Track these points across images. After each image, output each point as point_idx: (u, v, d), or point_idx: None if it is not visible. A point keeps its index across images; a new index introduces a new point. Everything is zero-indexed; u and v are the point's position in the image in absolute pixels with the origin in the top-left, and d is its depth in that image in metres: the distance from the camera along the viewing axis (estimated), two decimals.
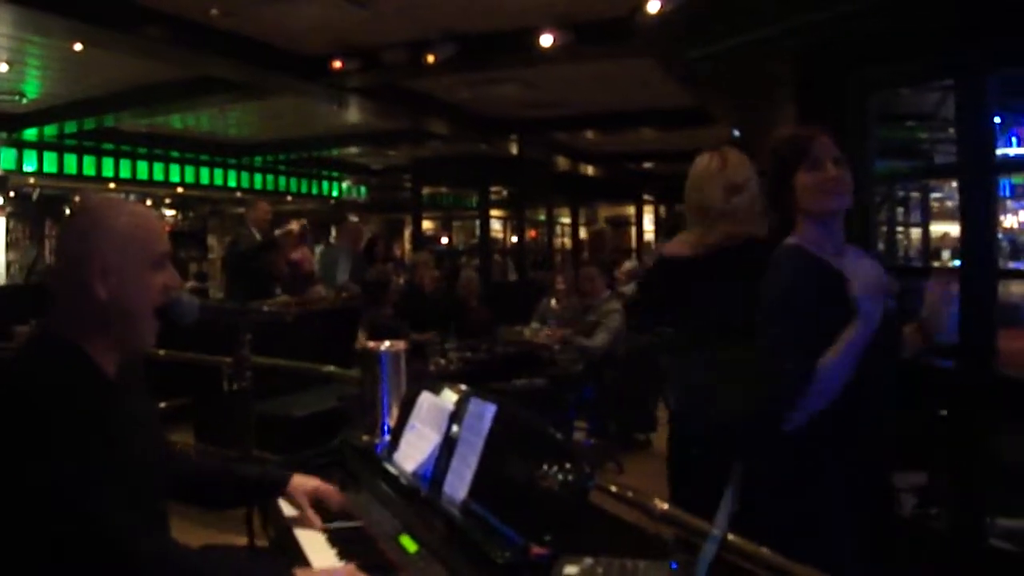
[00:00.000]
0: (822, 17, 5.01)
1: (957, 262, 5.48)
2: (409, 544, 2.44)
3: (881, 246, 6.36)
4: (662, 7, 6.69)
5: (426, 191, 20.19)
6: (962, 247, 4.56)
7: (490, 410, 2.49)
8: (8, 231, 17.06)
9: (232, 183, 19.27)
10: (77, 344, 2.19)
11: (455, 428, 2.63)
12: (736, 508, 1.89)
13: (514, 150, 15.97)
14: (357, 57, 9.65)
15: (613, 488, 2.78)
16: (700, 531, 2.31)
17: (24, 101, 12.53)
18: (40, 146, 15.34)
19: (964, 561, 4.23)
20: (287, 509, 2.83)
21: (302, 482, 2.83)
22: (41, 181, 16.55)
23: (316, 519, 2.76)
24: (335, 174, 22.51)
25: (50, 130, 14.15)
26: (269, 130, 16.15)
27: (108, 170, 16.47)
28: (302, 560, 2.50)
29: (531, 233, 22.16)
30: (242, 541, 3.10)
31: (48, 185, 17.00)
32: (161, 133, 15.97)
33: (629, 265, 11.41)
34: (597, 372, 8.27)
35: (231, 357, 5.44)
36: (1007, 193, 10.74)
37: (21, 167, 15.32)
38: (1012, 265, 9.23)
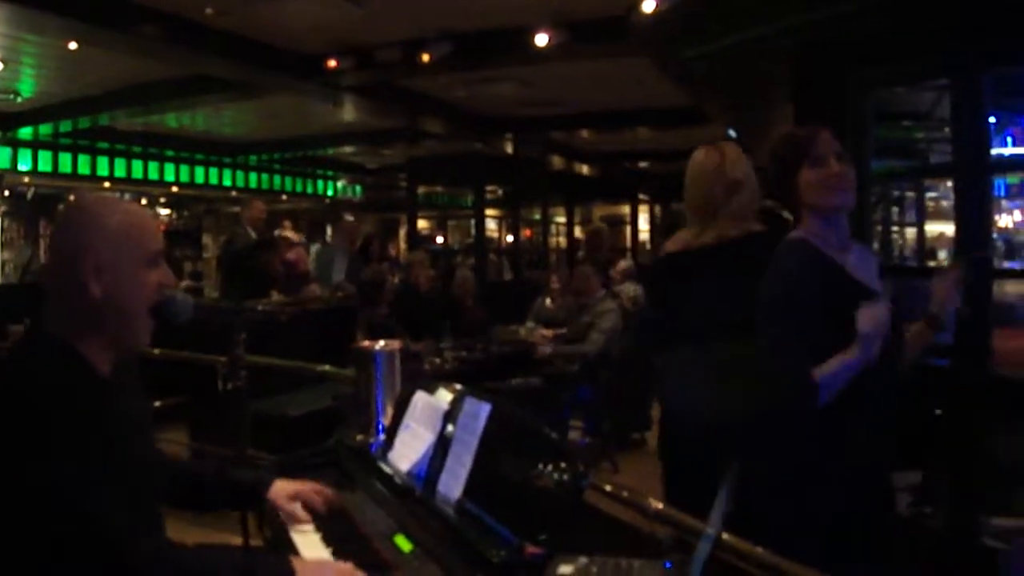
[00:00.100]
0: (818, 17, 5.01)
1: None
2: (404, 543, 2.43)
3: (876, 245, 6.36)
4: (658, 6, 6.68)
5: (421, 190, 20.17)
6: (957, 246, 4.57)
7: (485, 409, 2.49)
8: (3, 230, 17.06)
9: (227, 182, 19.27)
10: (70, 343, 2.18)
11: (450, 427, 2.63)
12: (730, 507, 1.89)
13: (509, 149, 15.97)
14: (352, 56, 9.64)
15: (608, 487, 2.78)
16: (695, 530, 2.31)
17: (19, 100, 12.51)
18: (35, 145, 15.32)
19: (959, 560, 4.24)
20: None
21: (282, 488, 2.81)
22: (36, 180, 16.53)
23: (303, 516, 2.76)
24: (330, 173, 22.51)
25: (45, 129, 14.13)
26: (264, 129, 16.14)
27: (103, 169, 16.46)
28: None
29: (526, 232, 22.17)
30: (237, 541, 3.09)
31: (43, 184, 16.97)
32: (156, 132, 15.95)
33: (624, 264, 11.39)
34: (592, 372, 8.27)
35: (226, 356, 5.45)
36: (1002, 193, 10.77)
37: (16, 166, 15.30)
38: (1007, 265, 9.25)
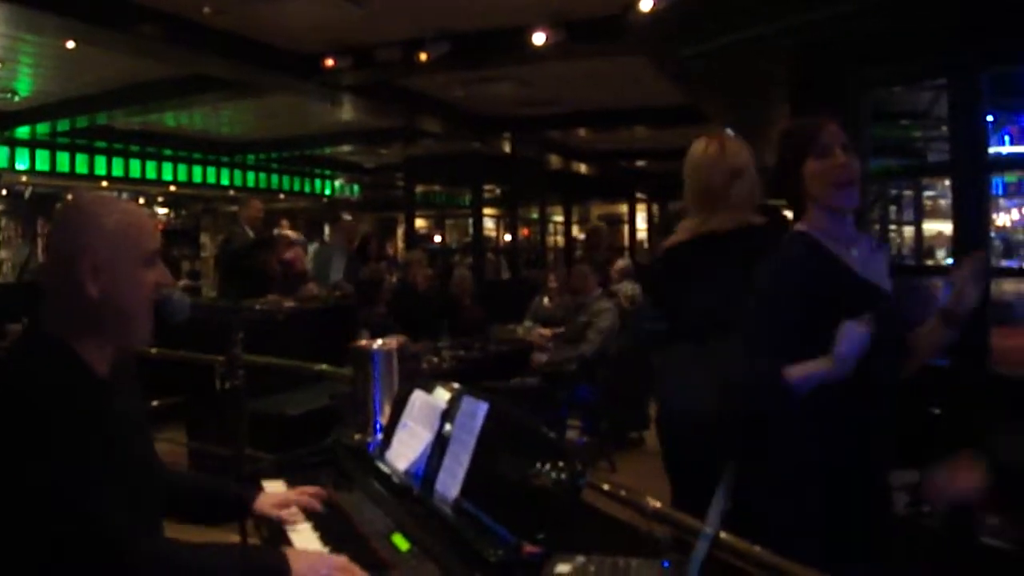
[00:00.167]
0: (817, 16, 5.02)
1: (950, 260, 5.50)
2: (401, 543, 2.43)
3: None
4: (655, 5, 6.69)
5: (419, 189, 20.18)
6: (955, 245, 4.57)
7: (482, 408, 2.49)
8: (0, 229, 17.04)
9: (225, 181, 19.26)
10: (68, 342, 2.18)
11: (447, 426, 2.63)
12: (728, 506, 1.89)
13: (507, 148, 15.98)
14: (350, 55, 9.65)
15: (605, 486, 2.78)
16: (692, 529, 2.31)
17: (16, 99, 12.51)
18: (32, 144, 15.32)
19: (956, 558, 4.24)
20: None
21: (267, 498, 2.82)
22: (33, 179, 16.52)
23: (295, 517, 2.77)
24: (328, 172, 22.51)
25: (42, 128, 14.15)
26: (262, 128, 16.14)
27: (101, 168, 16.45)
28: None
29: (524, 231, 22.16)
30: (234, 539, 3.08)
31: (40, 183, 16.97)
32: (154, 131, 15.96)
33: (622, 263, 11.39)
34: (590, 371, 8.27)
35: (224, 355, 5.45)
36: (999, 191, 10.76)
37: (13, 165, 15.29)
38: (1005, 263, 9.25)
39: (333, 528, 2.68)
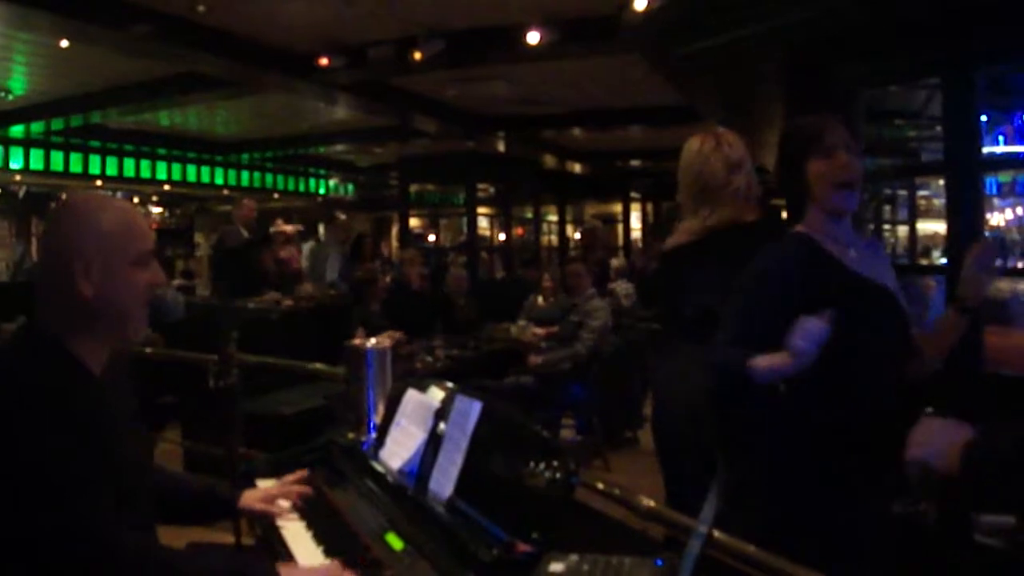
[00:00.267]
0: (810, 15, 5.02)
1: (944, 260, 5.50)
2: (395, 541, 2.43)
3: None
4: (649, 4, 6.68)
5: (413, 189, 20.19)
6: (948, 245, 4.57)
7: (476, 407, 2.49)
8: None
9: (219, 180, 19.27)
10: (62, 341, 2.18)
11: (441, 425, 2.62)
12: (721, 504, 1.89)
13: (501, 147, 15.98)
14: (344, 54, 9.64)
15: (599, 485, 2.78)
16: (686, 528, 2.31)
17: (10, 97, 12.50)
18: (27, 143, 15.32)
19: (950, 557, 4.24)
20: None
21: (253, 495, 2.84)
22: (27, 178, 16.54)
23: (283, 509, 2.80)
24: (322, 172, 22.51)
25: (36, 127, 14.13)
26: (256, 127, 16.13)
27: (95, 167, 16.46)
28: (288, 557, 2.50)
29: (518, 231, 22.17)
30: (228, 539, 3.08)
31: (35, 182, 16.98)
32: (148, 130, 15.96)
33: (617, 263, 11.39)
34: (584, 370, 8.27)
35: (217, 354, 5.43)
36: (993, 191, 10.80)
37: (7, 164, 15.29)
38: (999, 263, 9.26)
39: (327, 527, 2.68)
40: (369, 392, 3.30)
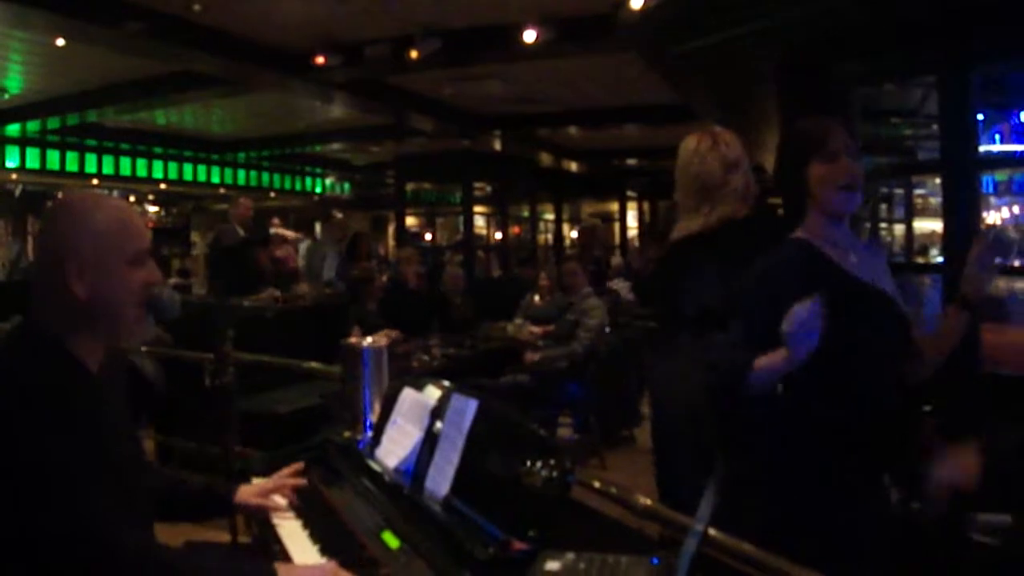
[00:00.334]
0: (806, 13, 5.02)
1: (941, 258, 5.50)
2: (391, 540, 2.43)
3: None
4: (645, 3, 6.68)
5: (409, 187, 20.19)
6: (945, 243, 4.57)
7: (472, 406, 2.48)
8: None
9: (215, 179, 19.26)
10: (59, 340, 2.18)
11: (437, 424, 2.62)
12: (718, 503, 1.89)
13: (497, 146, 15.99)
14: (340, 52, 9.64)
15: (596, 484, 2.78)
16: (682, 526, 2.31)
17: (6, 96, 12.49)
18: (23, 142, 15.30)
19: (947, 555, 4.25)
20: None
21: (248, 490, 2.84)
22: (23, 177, 16.51)
23: (278, 504, 2.80)
24: (318, 170, 22.51)
25: (32, 126, 14.13)
26: (252, 126, 16.13)
27: (91, 166, 16.45)
28: (284, 556, 2.50)
29: (515, 229, 22.17)
30: (225, 538, 3.08)
31: (31, 181, 16.96)
32: (144, 129, 15.96)
33: (614, 262, 11.39)
34: (580, 368, 8.27)
35: (213, 353, 5.43)
36: (990, 189, 10.81)
37: (3, 163, 15.29)
38: (997, 261, 9.26)
39: (323, 526, 2.68)
40: (365, 391, 3.29)
